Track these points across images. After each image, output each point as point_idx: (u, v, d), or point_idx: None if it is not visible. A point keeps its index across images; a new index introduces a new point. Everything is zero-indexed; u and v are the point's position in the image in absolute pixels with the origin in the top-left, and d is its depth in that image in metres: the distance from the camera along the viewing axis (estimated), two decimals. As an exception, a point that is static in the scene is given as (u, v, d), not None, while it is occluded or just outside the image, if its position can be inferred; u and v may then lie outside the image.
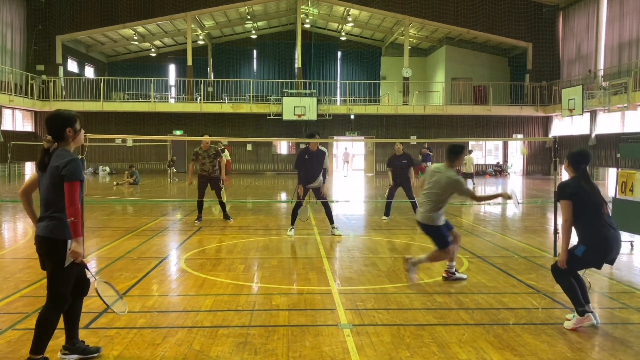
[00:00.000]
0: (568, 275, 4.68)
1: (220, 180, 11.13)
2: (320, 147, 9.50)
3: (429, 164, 26.02)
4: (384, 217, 11.79)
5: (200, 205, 11.12)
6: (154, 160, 30.50)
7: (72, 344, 3.91)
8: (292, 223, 9.66)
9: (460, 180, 6.01)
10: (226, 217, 11.31)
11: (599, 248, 4.55)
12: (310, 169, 9.44)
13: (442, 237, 6.08)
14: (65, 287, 3.71)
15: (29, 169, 29.71)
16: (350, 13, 31.54)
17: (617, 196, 8.72)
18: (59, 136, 3.69)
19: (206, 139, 11.13)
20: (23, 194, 3.87)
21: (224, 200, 11.35)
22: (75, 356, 3.89)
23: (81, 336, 4.04)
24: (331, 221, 9.77)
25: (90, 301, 4.75)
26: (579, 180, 4.66)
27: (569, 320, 4.69)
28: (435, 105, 30.69)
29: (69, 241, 3.62)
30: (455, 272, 6.37)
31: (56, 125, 3.68)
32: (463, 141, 29.14)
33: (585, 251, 4.55)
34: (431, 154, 26.43)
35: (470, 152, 22.13)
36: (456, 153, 6.10)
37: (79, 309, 3.96)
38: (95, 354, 3.98)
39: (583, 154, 4.77)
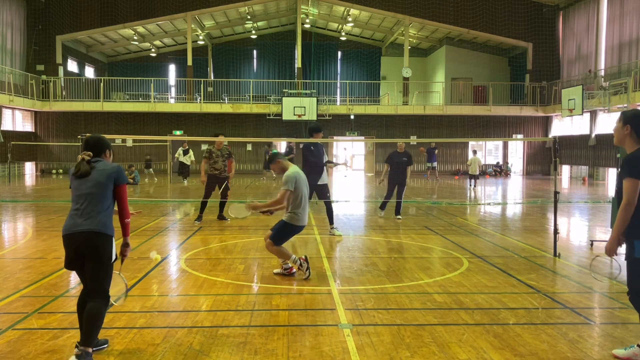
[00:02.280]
0: None
1: (229, 180, 11.17)
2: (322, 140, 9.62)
3: (434, 163, 25.90)
4: (381, 211, 12.07)
5: (204, 205, 11.13)
6: (153, 161, 30.48)
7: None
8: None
9: (285, 179, 6.33)
10: (221, 217, 11.30)
11: None
12: (320, 162, 9.46)
13: (281, 233, 6.44)
14: (109, 281, 4.06)
15: (29, 169, 29.73)
16: (350, 13, 31.55)
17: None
18: (98, 155, 4.19)
19: (221, 139, 11.24)
20: None
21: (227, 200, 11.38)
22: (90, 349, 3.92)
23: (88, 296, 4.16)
24: (331, 221, 9.76)
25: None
26: None
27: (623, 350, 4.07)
28: (435, 105, 30.70)
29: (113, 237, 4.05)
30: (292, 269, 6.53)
31: (100, 147, 4.22)
32: (463, 141, 29.17)
33: None
34: (436, 151, 26.20)
35: (475, 152, 22.08)
36: (270, 160, 6.60)
37: None
38: (105, 345, 4.13)
39: None
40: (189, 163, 23.12)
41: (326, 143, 32.03)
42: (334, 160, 10.59)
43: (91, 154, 4.13)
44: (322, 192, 9.63)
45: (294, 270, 6.53)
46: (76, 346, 3.85)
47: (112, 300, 4.18)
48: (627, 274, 3.91)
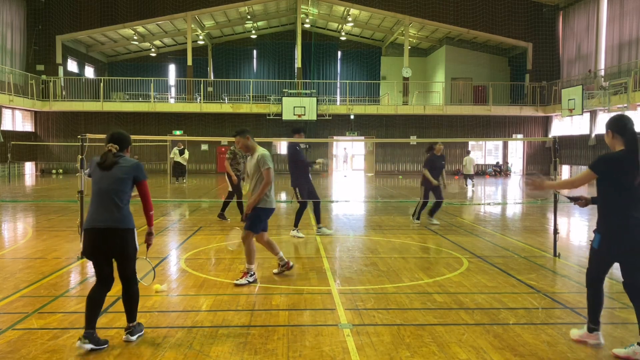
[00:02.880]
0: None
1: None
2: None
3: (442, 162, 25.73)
4: (416, 221, 11.11)
5: (227, 204, 11.30)
6: (153, 161, 30.49)
7: (90, 333, 4.05)
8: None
9: (263, 158, 6.24)
10: (222, 216, 11.31)
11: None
12: (307, 162, 9.48)
13: (257, 220, 6.23)
14: (135, 266, 4.38)
15: (29, 169, 29.72)
16: (350, 13, 31.55)
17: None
18: (121, 150, 4.38)
19: (292, 140, 11.36)
20: None
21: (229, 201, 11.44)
22: (91, 346, 4.02)
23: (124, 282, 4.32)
24: (318, 220, 9.70)
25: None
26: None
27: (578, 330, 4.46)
28: (435, 105, 30.70)
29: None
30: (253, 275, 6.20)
31: (125, 142, 4.43)
32: (463, 141, 29.15)
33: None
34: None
35: (468, 152, 22.11)
36: (240, 133, 6.35)
37: (104, 299, 4.27)
38: (105, 346, 4.13)
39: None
40: (185, 163, 22.79)
41: (327, 143, 32.07)
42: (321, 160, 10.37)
43: (117, 147, 4.33)
44: (314, 192, 9.65)
45: (291, 264, 6.58)
46: (79, 338, 3.99)
47: (141, 281, 4.62)
48: (589, 262, 4.36)
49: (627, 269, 4.14)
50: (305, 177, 9.42)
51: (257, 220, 6.23)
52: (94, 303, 4.17)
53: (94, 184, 4.26)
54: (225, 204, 11.38)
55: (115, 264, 4.33)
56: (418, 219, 11.14)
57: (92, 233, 4.18)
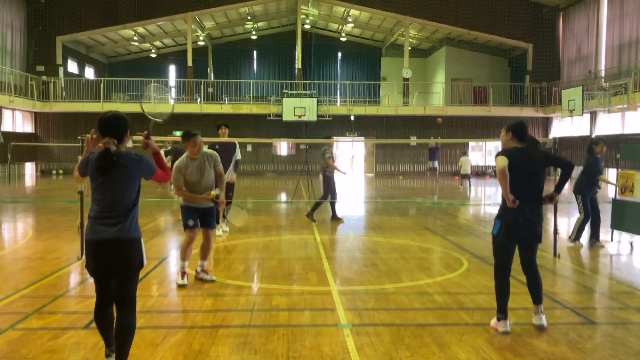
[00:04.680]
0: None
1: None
2: (232, 139, 9.59)
3: (436, 163, 25.71)
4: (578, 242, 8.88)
5: (320, 205, 11.49)
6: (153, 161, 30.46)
7: (112, 350, 3.67)
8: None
9: (216, 156, 6.13)
10: (310, 216, 11.36)
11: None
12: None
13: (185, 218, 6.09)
14: (136, 285, 3.66)
15: (29, 170, 29.72)
16: (350, 14, 31.56)
17: (617, 197, 8.73)
18: (120, 139, 3.54)
19: (332, 141, 11.39)
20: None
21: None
22: None
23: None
24: (223, 216, 9.42)
25: (91, 301, 4.74)
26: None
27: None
28: (435, 106, 30.70)
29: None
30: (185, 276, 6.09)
31: (123, 128, 3.58)
32: (463, 142, 29.15)
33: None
34: (438, 149, 26.00)
35: (464, 153, 22.12)
36: (183, 138, 6.05)
37: (113, 314, 3.72)
38: None
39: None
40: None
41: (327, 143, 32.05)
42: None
43: (116, 141, 3.51)
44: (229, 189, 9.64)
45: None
46: (107, 355, 3.68)
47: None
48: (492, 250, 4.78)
49: (524, 253, 4.68)
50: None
51: (184, 217, 6.21)
52: (105, 321, 3.65)
53: (94, 188, 3.58)
54: (317, 205, 11.43)
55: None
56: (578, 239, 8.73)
57: (95, 245, 3.52)
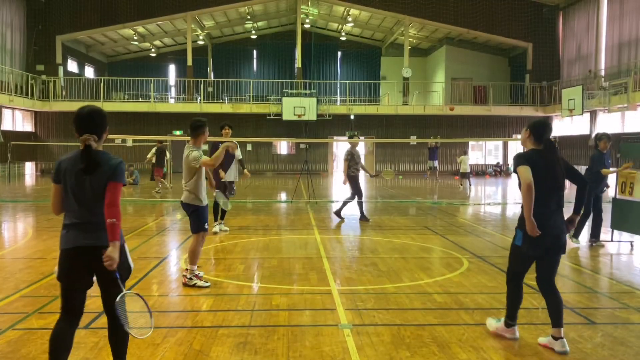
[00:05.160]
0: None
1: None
2: (231, 139, 9.64)
3: (436, 162, 25.73)
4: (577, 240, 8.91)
5: (347, 204, 11.63)
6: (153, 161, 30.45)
7: None
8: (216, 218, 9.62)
9: (193, 155, 5.92)
10: (338, 214, 11.59)
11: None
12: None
13: (197, 220, 6.06)
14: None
15: (29, 169, 29.72)
16: (350, 13, 31.55)
17: (617, 196, 8.73)
18: (99, 136, 3.33)
19: (355, 140, 11.74)
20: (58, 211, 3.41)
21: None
22: None
23: (81, 336, 4.04)
24: (221, 217, 9.72)
25: (90, 301, 4.73)
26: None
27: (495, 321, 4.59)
28: (435, 105, 30.69)
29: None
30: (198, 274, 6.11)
31: (102, 124, 3.36)
32: (463, 141, 29.16)
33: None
34: (438, 148, 25.99)
35: (464, 152, 22.12)
36: (195, 129, 6.05)
37: (73, 339, 3.44)
38: None
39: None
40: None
41: (327, 143, 32.07)
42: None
43: (96, 137, 3.29)
44: (231, 189, 9.94)
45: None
46: None
47: (133, 334, 3.41)
48: (509, 258, 4.50)
49: (544, 266, 4.31)
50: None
51: (195, 219, 6.17)
52: (66, 344, 3.31)
53: (70, 192, 3.25)
54: (345, 204, 11.55)
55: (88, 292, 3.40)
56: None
57: (73, 252, 3.25)
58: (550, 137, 4.38)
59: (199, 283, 5.95)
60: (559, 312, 4.22)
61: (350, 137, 11.73)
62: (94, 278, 3.34)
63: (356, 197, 11.44)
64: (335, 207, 14.45)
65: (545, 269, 4.31)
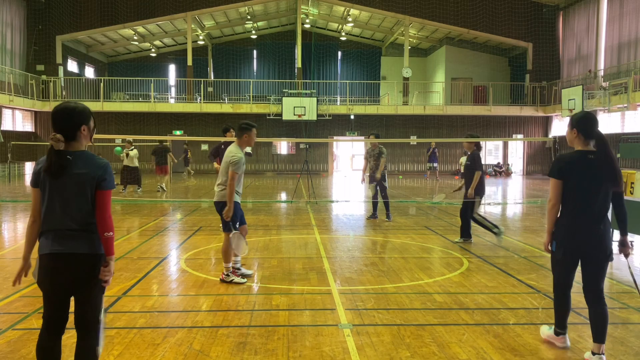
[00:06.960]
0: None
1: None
2: (233, 139, 9.62)
3: (435, 163, 25.76)
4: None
5: (376, 204, 11.76)
6: (154, 161, 30.45)
7: None
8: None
9: (233, 159, 5.89)
10: (374, 215, 11.81)
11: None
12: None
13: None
14: (100, 307, 3.13)
15: (29, 169, 29.71)
16: (350, 13, 31.55)
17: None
18: (71, 135, 3.02)
19: (372, 140, 11.94)
20: (35, 225, 3.10)
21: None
22: None
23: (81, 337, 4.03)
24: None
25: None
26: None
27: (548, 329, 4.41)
28: (435, 105, 30.70)
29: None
30: (241, 268, 6.40)
31: (69, 121, 3.02)
32: (463, 141, 29.14)
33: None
34: (437, 151, 26.03)
35: (465, 152, 22.14)
36: (240, 129, 6.09)
37: (60, 348, 3.21)
38: None
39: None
40: (136, 165, 17.48)
41: (326, 143, 32.07)
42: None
43: (60, 137, 2.98)
44: None
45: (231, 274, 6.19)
46: None
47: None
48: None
49: (586, 274, 4.02)
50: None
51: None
52: (50, 355, 3.08)
53: (44, 195, 3.02)
54: (386, 205, 11.72)
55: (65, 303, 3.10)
56: None
57: (52, 258, 2.99)
58: (600, 131, 4.01)
59: (236, 279, 6.09)
60: (601, 326, 3.90)
61: (376, 136, 11.84)
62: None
63: (381, 195, 11.57)
64: (335, 207, 14.46)
65: (586, 277, 4.00)
